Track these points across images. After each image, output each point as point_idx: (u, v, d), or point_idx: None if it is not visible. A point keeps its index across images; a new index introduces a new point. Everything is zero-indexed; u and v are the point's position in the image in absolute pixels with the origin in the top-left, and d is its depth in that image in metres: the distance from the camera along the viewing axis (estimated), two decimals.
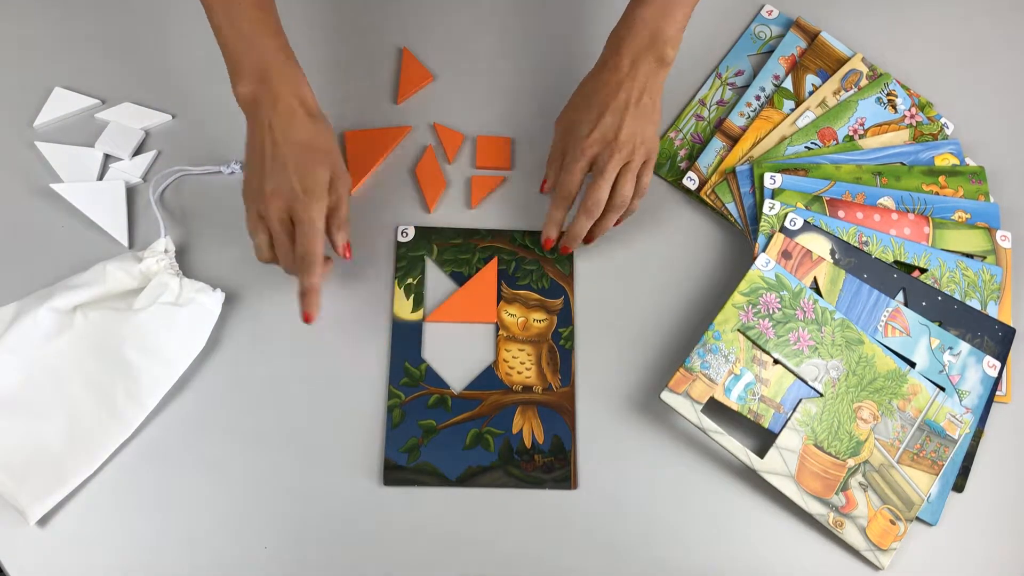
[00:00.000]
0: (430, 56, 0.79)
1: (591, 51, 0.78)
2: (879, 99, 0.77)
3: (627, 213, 0.68)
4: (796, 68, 0.79)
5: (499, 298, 0.69)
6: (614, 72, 0.64)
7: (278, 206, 0.60)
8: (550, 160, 0.70)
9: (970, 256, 0.71)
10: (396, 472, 0.64)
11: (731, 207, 0.72)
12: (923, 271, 0.70)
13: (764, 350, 0.65)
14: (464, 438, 0.65)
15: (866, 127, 0.76)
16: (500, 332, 0.68)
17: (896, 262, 0.70)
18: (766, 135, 0.75)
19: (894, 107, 0.77)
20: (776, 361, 0.65)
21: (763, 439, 0.65)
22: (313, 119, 0.63)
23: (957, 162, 0.75)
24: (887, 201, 0.72)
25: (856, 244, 0.70)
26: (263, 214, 0.61)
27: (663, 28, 0.63)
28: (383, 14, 0.81)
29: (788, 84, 0.78)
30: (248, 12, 0.62)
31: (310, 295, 0.61)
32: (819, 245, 0.69)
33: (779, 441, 0.63)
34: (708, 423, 0.63)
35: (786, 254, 0.68)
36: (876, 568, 0.62)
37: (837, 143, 0.76)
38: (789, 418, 0.64)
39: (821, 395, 0.64)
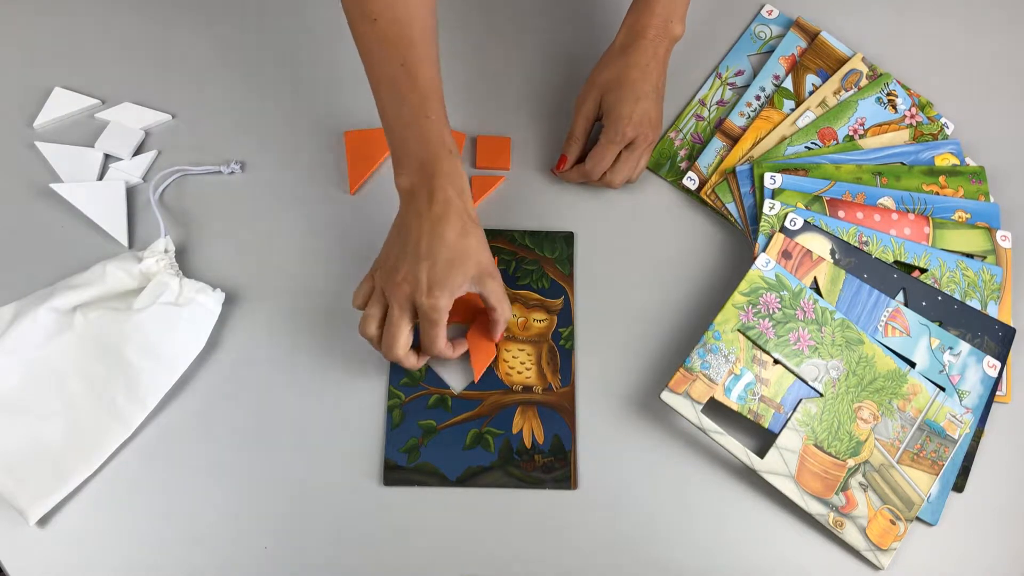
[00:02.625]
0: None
1: (592, 51, 0.79)
2: (879, 99, 0.77)
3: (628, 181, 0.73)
4: (796, 68, 0.79)
5: None
6: (642, 55, 0.68)
7: (404, 293, 0.58)
8: (572, 137, 0.71)
9: (970, 256, 0.71)
10: (396, 472, 0.64)
11: (731, 207, 0.72)
12: (923, 271, 0.70)
13: (764, 350, 0.65)
14: (464, 438, 0.65)
15: (866, 127, 0.76)
16: None
17: (896, 262, 0.70)
18: (766, 135, 0.75)
19: (894, 107, 0.77)
20: (776, 361, 0.65)
21: (763, 439, 0.65)
22: (469, 220, 0.60)
23: (957, 162, 0.75)
24: (887, 201, 0.72)
25: (856, 244, 0.70)
26: (387, 295, 0.60)
27: (675, 7, 0.69)
28: None
29: (788, 84, 0.78)
30: (413, 99, 0.60)
31: (418, 365, 0.64)
32: (819, 245, 0.69)
33: (779, 441, 0.63)
34: (708, 423, 0.63)
35: (786, 254, 0.68)
36: (876, 568, 0.62)
37: (837, 143, 0.76)
38: (789, 418, 0.64)
39: (821, 395, 0.64)
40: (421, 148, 0.60)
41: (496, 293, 0.62)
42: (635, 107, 0.67)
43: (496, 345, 0.67)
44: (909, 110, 0.77)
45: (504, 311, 0.62)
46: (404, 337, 0.60)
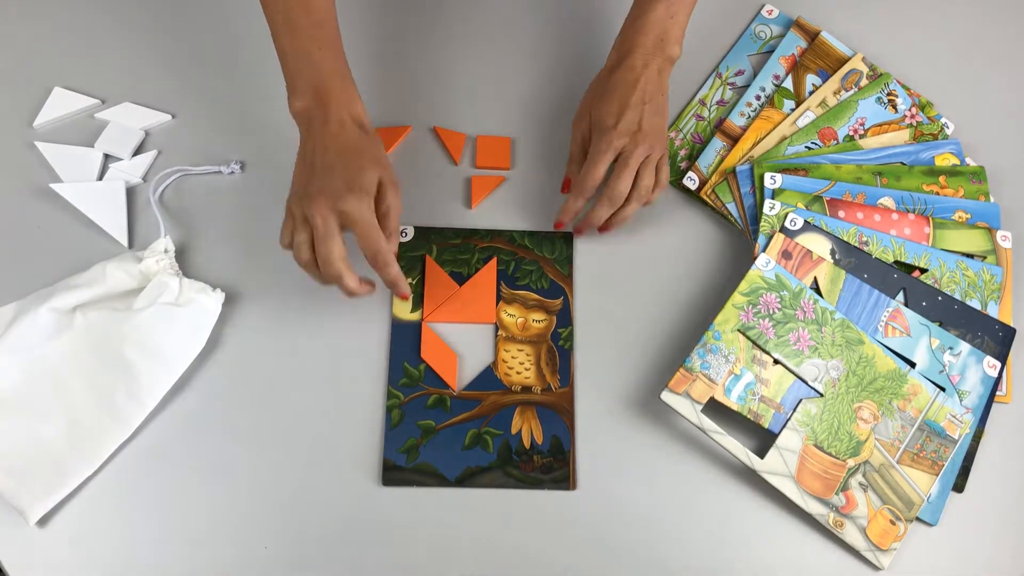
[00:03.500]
0: (430, 56, 0.79)
1: (591, 51, 0.79)
2: (879, 99, 0.77)
3: (646, 204, 0.69)
4: (796, 68, 0.79)
5: (498, 298, 0.69)
6: (630, 71, 0.67)
7: (323, 204, 0.58)
8: (572, 158, 0.71)
9: (970, 256, 0.71)
10: (395, 472, 0.64)
11: (731, 207, 0.72)
12: (923, 271, 0.70)
13: (764, 350, 0.65)
14: (463, 438, 0.65)
15: (866, 127, 0.76)
16: (499, 332, 0.68)
17: (896, 262, 0.70)
18: (766, 135, 0.75)
19: (894, 107, 0.77)
20: (776, 361, 0.65)
21: (763, 439, 0.64)
22: (364, 132, 0.63)
23: (957, 162, 0.75)
24: (887, 201, 0.72)
25: (856, 244, 0.70)
26: (307, 214, 0.59)
27: (669, 29, 0.67)
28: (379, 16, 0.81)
29: (788, 84, 0.78)
30: (308, 30, 0.62)
31: (398, 283, 0.62)
32: (819, 245, 0.69)
33: (779, 441, 0.63)
34: (708, 423, 0.63)
35: (786, 254, 0.68)
36: (876, 568, 0.62)
37: (837, 143, 0.76)
38: (789, 418, 0.64)
39: (821, 395, 0.64)
40: (314, 75, 0.62)
41: (397, 207, 0.62)
42: (621, 117, 0.65)
43: (496, 346, 0.67)
44: (909, 110, 0.77)
45: (395, 232, 0.63)
46: (337, 246, 0.58)
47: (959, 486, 0.65)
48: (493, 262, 0.70)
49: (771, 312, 0.66)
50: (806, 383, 0.65)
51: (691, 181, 0.74)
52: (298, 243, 0.60)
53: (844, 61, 0.79)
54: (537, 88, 0.78)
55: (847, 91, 0.78)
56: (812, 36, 0.80)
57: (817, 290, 0.68)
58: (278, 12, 0.63)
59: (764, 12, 0.83)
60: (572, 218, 0.70)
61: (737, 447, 0.63)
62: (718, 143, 0.76)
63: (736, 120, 0.77)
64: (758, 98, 0.78)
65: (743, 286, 0.67)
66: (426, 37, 0.80)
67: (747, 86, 0.79)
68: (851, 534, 0.62)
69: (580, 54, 0.79)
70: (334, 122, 0.61)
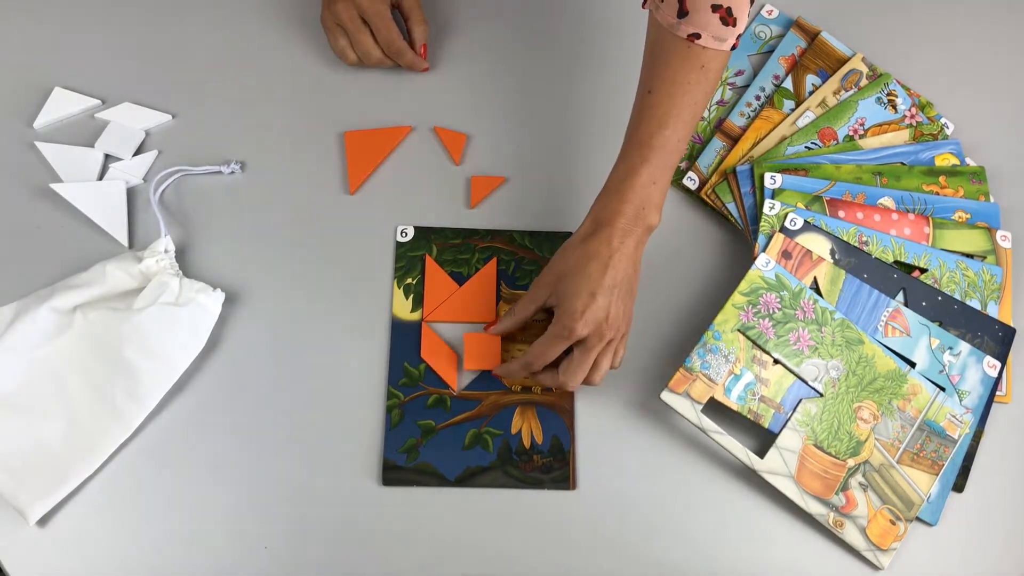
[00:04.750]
0: (430, 56, 0.79)
1: (593, 49, 0.79)
2: (879, 99, 0.77)
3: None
4: (796, 68, 0.79)
5: (498, 298, 0.69)
6: (604, 245, 0.61)
7: (343, 5, 0.72)
8: (512, 313, 0.65)
9: (970, 256, 0.71)
10: (395, 472, 0.64)
11: (731, 207, 0.72)
12: (923, 271, 0.70)
13: (764, 350, 0.65)
14: (463, 438, 0.65)
15: (866, 127, 0.76)
16: None
17: (896, 262, 0.70)
18: (766, 135, 0.75)
19: (894, 107, 0.77)
20: (776, 361, 0.65)
21: (763, 439, 0.64)
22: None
23: (957, 162, 0.75)
24: (887, 201, 0.72)
25: (856, 244, 0.70)
26: (336, 20, 0.73)
27: (651, 197, 0.62)
28: None
29: (788, 84, 0.78)
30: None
31: (414, 66, 0.76)
32: (819, 245, 0.69)
33: (779, 441, 0.63)
34: (708, 423, 0.63)
35: (786, 254, 0.68)
36: (876, 568, 0.62)
37: (837, 143, 0.76)
38: (789, 418, 0.64)
39: (821, 395, 0.64)
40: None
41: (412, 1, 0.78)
42: (589, 302, 0.59)
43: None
44: (909, 110, 0.77)
45: (420, 18, 0.78)
46: (369, 39, 0.74)
47: (959, 486, 0.65)
48: (493, 262, 0.70)
49: (771, 312, 0.66)
50: (806, 383, 0.65)
51: (691, 181, 0.74)
52: (341, 48, 0.75)
53: (844, 61, 0.79)
54: (538, 88, 0.78)
55: (847, 91, 0.78)
56: (812, 36, 0.80)
57: (817, 290, 0.68)
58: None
59: (764, 12, 0.83)
60: (505, 375, 0.66)
61: (737, 447, 0.63)
62: (718, 143, 0.76)
63: (736, 120, 0.77)
64: (758, 98, 0.78)
65: (743, 286, 0.67)
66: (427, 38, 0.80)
67: (747, 86, 0.79)
68: (851, 534, 0.62)
69: (583, 53, 0.79)
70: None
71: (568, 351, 0.62)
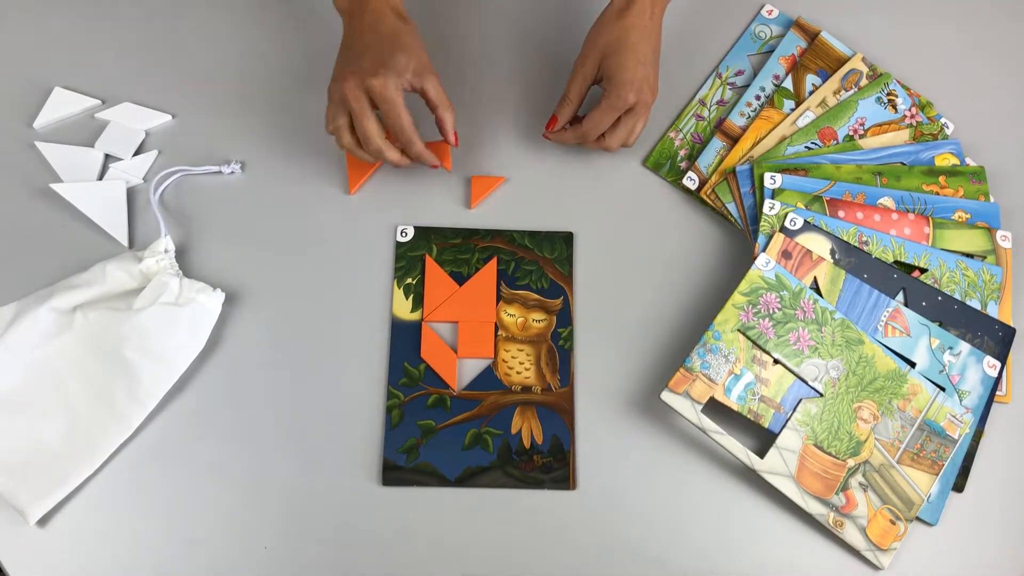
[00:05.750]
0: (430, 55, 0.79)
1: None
2: (879, 99, 0.77)
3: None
4: (796, 68, 0.79)
5: (498, 298, 0.69)
6: (640, 17, 0.67)
7: (354, 84, 0.63)
8: (567, 98, 0.71)
9: (970, 256, 0.71)
10: (395, 472, 0.64)
11: (731, 207, 0.72)
12: (923, 271, 0.70)
13: (764, 350, 0.65)
14: (463, 438, 0.65)
15: (866, 127, 0.76)
16: (499, 332, 0.68)
17: (896, 262, 0.70)
18: (766, 135, 0.75)
19: (894, 107, 0.77)
20: (776, 361, 0.65)
21: (763, 439, 0.64)
22: (401, 20, 0.65)
23: (957, 162, 0.75)
24: (887, 201, 0.72)
25: (856, 244, 0.70)
26: (342, 96, 0.64)
27: None
28: None
29: (788, 84, 0.78)
30: None
31: (423, 158, 0.67)
32: (819, 245, 0.69)
33: (779, 441, 0.63)
34: (708, 423, 0.63)
35: (786, 254, 0.68)
36: (876, 568, 0.62)
37: (837, 143, 0.76)
38: (789, 418, 0.64)
39: (821, 395, 0.64)
40: None
41: (436, 88, 0.66)
42: (636, 72, 0.67)
43: (495, 346, 0.68)
44: (909, 110, 0.77)
45: (447, 104, 0.67)
46: (373, 124, 0.64)
47: (959, 486, 0.65)
48: (493, 262, 0.70)
49: (771, 312, 0.66)
50: (806, 383, 0.65)
51: (691, 181, 0.74)
52: (337, 127, 0.65)
53: (844, 61, 0.79)
54: (538, 88, 0.78)
55: (847, 91, 0.78)
56: (812, 36, 0.80)
57: (817, 290, 0.68)
58: None
59: (764, 12, 0.83)
60: (560, 139, 0.72)
61: (737, 447, 0.63)
62: (718, 143, 0.76)
63: (736, 120, 0.77)
64: (758, 98, 0.78)
65: (743, 286, 0.67)
66: (426, 37, 0.80)
67: (747, 86, 0.79)
68: (851, 534, 0.62)
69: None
70: (372, 11, 0.64)
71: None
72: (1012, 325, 0.69)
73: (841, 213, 0.71)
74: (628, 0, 0.68)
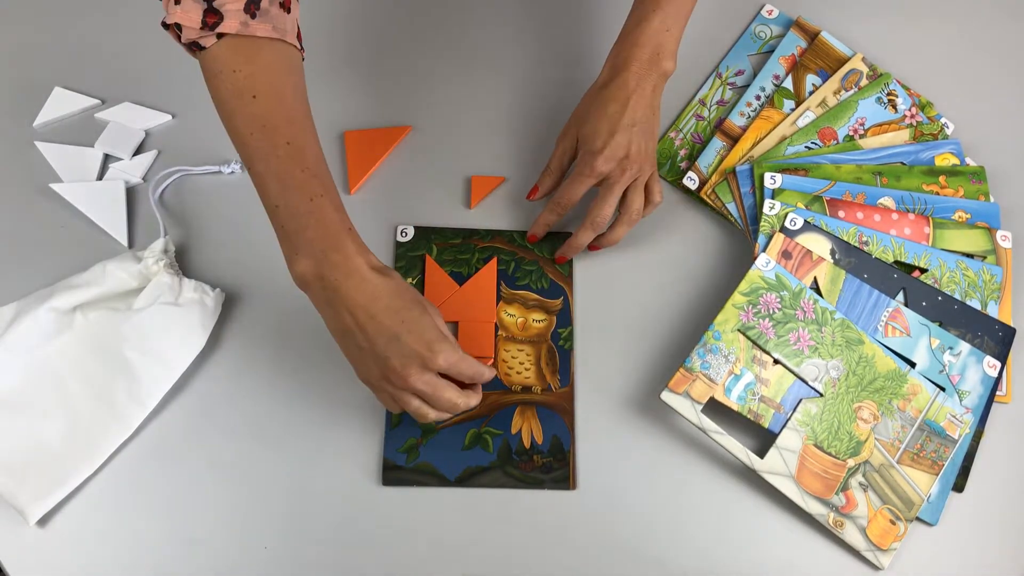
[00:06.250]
0: (430, 55, 0.79)
1: (593, 48, 0.79)
2: (879, 99, 0.77)
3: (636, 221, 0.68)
4: (796, 68, 0.79)
5: (498, 298, 0.69)
6: (622, 88, 0.64)
7: (416, 375, 0.54)
8: (549, 170, 0.70)
9: (970, 256, 0.71)
10: (395, 472, 0.64)
11: (731, 207, 0.72)
12: (923, 271, 0.70)
13: (764, 350, 0.65)
14: (463, 438, 0.65)
15: (866, 127, 0.76)
16: (499, 332, 0.68)
17: (896, 262, 0.70)
18: (766, 135, 0.75)
19: (894, 107, 0.77)
20: (776, 361, 0.65)
21: (763, 439, 0.64)
22: (385, 276, 0.55)
23: (957, 162, 0.75)
24: (887, 201, 0.72)
25: (856, 244, 0.70)
26: (411, 390, 0.55)
27: (664, 43, 0.65)
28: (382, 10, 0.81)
29: (788, 84, 0.78)
30: (305, 183, 0.54)
31: (485, 373, 0.58)
32: (819, 245, 0.69)
33: (779, 441, 0.63)
34: (708, 423, 0.63)
35: (786, 254, 0.68)
36: (876, 568, 0.62)
37: (837, 143, 0.76)
38: (789, 418, 0.64)
39: (821, 395, 0.64)
40: (321, 231, 0.54)
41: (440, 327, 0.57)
42: (609, 140, 0.63)
43: (495, 345, 0.67)
44: (909, 110, 0.77)
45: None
46: (450, 393, 0.56)
47: (959, 486, 0.65)
48: (493, 262, 0.70)
49: (771, 312, 0.66)
50: (806, 383, 0.65)
51: (691, 181, 0.74)
52: (417, 413, 0.56)
53: (844, 61, 0.79)
54: (539, 88, 0.78)
55: (847, 91, 0.78)
56: (812, 36, 0.80)
57: (817, 290, 0.68)
58: (268, 168, 0.54)
59: (764, 12, 0.83)
60: (544, 231, 0.70)
61: (737, 447, 0.63)
62: (718, 143, 0.76)
63: (736, 120, 0.77)
64: (758, 98, 0.78)
65: (743, 286, 0.67)
66: (427, 36, 0.80)
67: (747, 86, 0.79)
68: (851, 534, 0.62)
69: (582, 52, 0.79)
70: (356, 276, 0.54)
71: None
72: (1012, 325, 0.69)
73: (841, 213, 0.71)
74: (613, 73, 0.66)
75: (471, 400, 0.58)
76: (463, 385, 0.58)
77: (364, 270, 0.54)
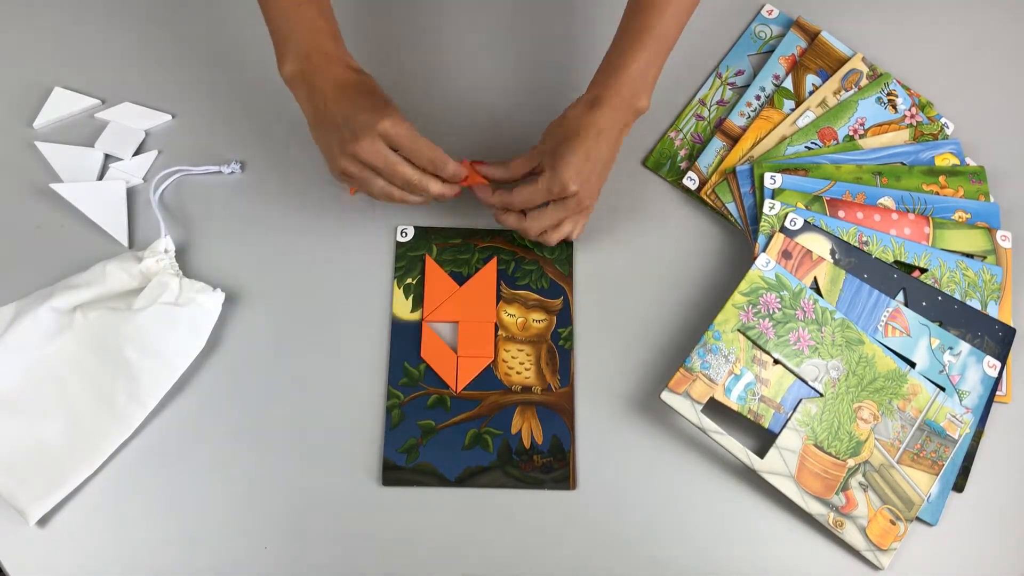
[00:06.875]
0: (429, 55, 0.79)
1: (591, 48, 0.79)
2: (879, 99, 0.77)
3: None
4: (796, 68, 0.79)
5: (498, 298, 0.69)
6: (602, 121, 0.64)
7: (367, 142, 0.60)
8: (513, 167, 0.68)
9: (970, 256, 0.71)
10: (395, 472, 0.64)
11: (731, 207, 0.72)
12: (923, 271, 0.70)
13: (764, 350, 0.65)
14: (463, 438, 0.65)
15: (866, 127, 0.76)
16: (499, 332, 0.68)
17: (896, 262, 0.70)
18: (766, 135, 0.75)
19: (894, 107, 0.77)
20: (776, 361, 0.65)
21: (763, 439, 0.64)
22: (358, 74, 0.63)
23: (957, 162, 0.75)
24: (887, 201, 0.72)
25: (856, 244, 0.70)
26: (362, 162, 0.61)
27: (644, 83, 0.66)
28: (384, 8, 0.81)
29: (788, 84, 0.78)
30: None
31: (458, 175, 0.64)
32: (819, 245, 0.69)
33: (779, 441, 0.63)
34: (708, 423, 0.63)
35: (786, 254, 0.68)
36: (876, 568, 0.62)
37: (837, 143, 0.76)
38: (789, 418, 0.64)
39: (821, 395, 0.64)
40: (307, 36, 0.63)
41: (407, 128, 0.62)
42: (583, 166, 0.63)
43: (495, 345, 0.67)
44: (909, 110, 0.77)
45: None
46: (404, 167, 0.61)
47: (959, 486, 0.65)
48: (493, 262, 0.70)
49: (771, 312, 0.66)
50: (806, 383, 0.65)
51: (691, 181, 0.74)
52: (378, 191, 0.63)
53: (844, 61, 0.79)
54: (537, 87, 0.78)
55: (847, 91, 0.78)
56: (812, 36, 0.80)
57: (817, 290, 0.68)
58: None
59: (764, 12, 0.83)
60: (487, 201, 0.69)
61: (737, 447, 0.63)
62: (718, 143, 0.76)
63: (736, 120, 0.77)
64: (758, 98, 0.78)
65: (743, 286, 0.67)
66: (427, 36, 0.80)
67: (747, 86, 0.79)
68: (851, 534, 0.62)
69: (581, 52, 0.79)
70: (332, 74, 0.62)
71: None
72: (1012, 325, 0.69)
73: (841, 213, 0.71)
74: (596, 102, 0.65)
75: (431, 184, 0.62)
76: None
77: (339, 68, 0.62)
